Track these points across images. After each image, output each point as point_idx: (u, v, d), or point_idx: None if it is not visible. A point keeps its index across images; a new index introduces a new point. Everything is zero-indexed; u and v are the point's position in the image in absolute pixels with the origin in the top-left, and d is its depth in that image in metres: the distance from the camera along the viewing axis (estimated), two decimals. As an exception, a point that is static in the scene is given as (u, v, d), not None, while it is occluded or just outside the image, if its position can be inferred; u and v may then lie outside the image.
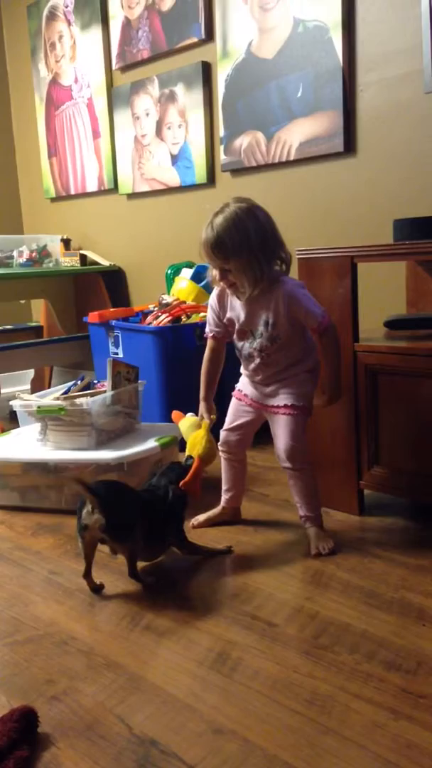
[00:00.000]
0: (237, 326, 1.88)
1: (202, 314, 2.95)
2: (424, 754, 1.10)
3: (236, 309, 1.87)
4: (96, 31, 3.62)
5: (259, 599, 1.61)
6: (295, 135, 2.81)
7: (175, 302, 3.00)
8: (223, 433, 2.00)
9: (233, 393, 2.01)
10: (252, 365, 1.89)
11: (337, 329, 1.87)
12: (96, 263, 3.82)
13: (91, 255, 3.85)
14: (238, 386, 2.01)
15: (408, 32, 2.39)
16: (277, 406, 1.86)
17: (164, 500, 1.80)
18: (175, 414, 2.08)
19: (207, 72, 3.14)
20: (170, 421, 2.41)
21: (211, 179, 3.22)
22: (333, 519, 2.04)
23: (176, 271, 3.25)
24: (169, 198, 3.47)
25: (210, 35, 3.09)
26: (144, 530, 1.69)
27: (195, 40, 3.14)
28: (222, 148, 3.12)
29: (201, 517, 2.06)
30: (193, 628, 1.50)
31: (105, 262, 3.81)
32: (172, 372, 2.81)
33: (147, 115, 3.45)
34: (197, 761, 1.10)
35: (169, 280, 3.27)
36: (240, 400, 1.99)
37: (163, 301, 3.04)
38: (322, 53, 2.66)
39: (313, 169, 2.80)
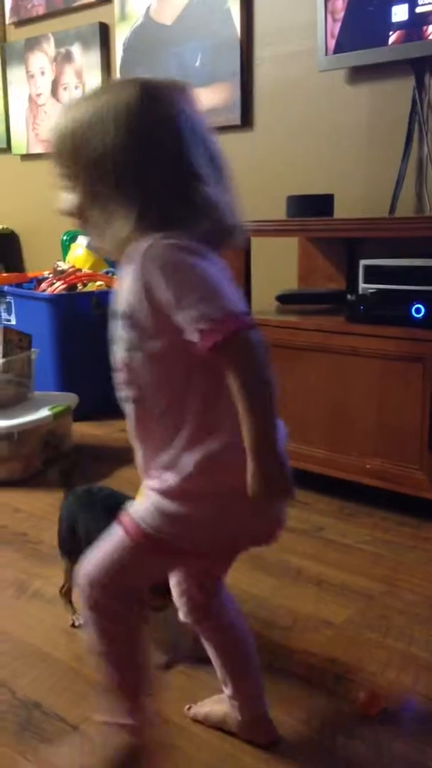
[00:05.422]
0: None
1: (98, 283, 2.92)
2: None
3: None
4: (-12, -19, 3.45)
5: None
6: (193, 105, 2.80)
7: (70, 269, 2.95)
8: None
9: None
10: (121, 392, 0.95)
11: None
12: (-12, 226, 3.69)
13: (-17, 217, 3.72)
14: None
15: (303, 10, 2.43)
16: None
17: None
18: None
19: (105, 33, 3.07)
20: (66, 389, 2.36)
21: (108, 145, 3.17)
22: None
23: (72, 237, 3.19)
24: (66, 162, 3.38)
25: (108, -5, 3.02)
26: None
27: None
28: (120, 113, 3.07)
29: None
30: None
31: (-2, 225, 3.69)
32: (66, 341, 2.77)
33: (42, 74, 3.34)
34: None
35: (65, 247, 3.21)
36: None
37: (59, 268, 2.99)
38: (220, 23, 2.65)
39: (210, 140, 2.81)
